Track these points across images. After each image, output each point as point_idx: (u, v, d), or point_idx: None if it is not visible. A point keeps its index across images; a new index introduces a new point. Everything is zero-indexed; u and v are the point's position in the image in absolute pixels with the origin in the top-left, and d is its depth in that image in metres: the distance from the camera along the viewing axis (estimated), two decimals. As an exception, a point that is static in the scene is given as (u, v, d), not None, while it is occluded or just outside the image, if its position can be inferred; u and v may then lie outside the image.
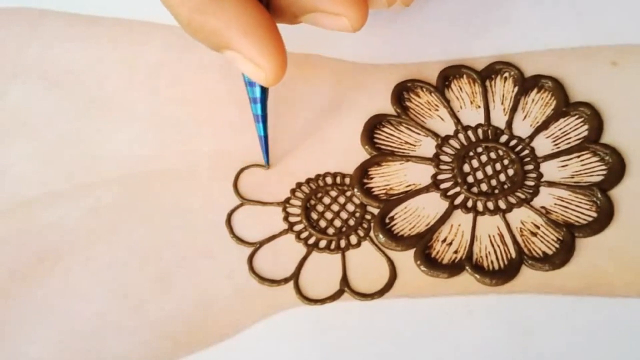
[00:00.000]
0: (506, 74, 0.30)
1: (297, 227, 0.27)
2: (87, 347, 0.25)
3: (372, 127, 0.29)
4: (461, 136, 0.29)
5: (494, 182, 0.28)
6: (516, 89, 0.29)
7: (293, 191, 0.28)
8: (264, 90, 0.26)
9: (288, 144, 0.29)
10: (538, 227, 0.27)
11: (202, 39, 0.24)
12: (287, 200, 0.28)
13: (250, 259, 0.26)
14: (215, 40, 0.23)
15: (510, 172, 0.28)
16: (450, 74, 0.30)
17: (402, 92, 0.30)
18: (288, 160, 0.29)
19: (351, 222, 0.27)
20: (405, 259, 0.26)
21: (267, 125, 0.27)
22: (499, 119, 0.29)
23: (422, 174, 0.28)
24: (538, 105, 0.29)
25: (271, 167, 0.28)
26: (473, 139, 0.29)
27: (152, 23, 0.32)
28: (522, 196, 0.27)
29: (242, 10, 0.22)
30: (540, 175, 0.28)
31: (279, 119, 0.29)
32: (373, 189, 0.28)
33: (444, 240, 0.27)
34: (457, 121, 0.29)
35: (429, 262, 0.26)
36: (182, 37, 0.31)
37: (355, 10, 0.24)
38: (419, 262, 0.26)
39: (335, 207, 0.28)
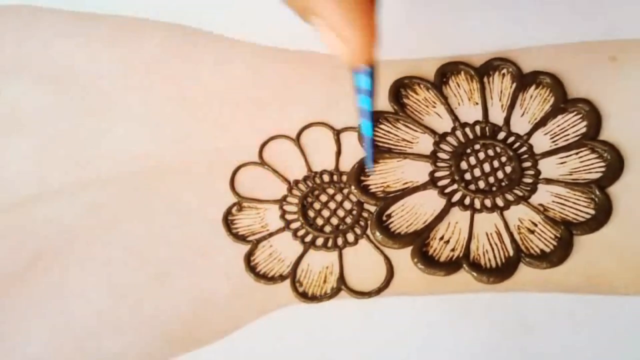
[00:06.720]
0: (504, 70, 0.30)
1: (294, 225, 0.27)
2: (84, 346, 0.25)
3: (370, 124, 0.29)
4: (459, 133, 0.28)
5: (491, 179, 0.27)
6: (514, 85, 0.29)
7: (290, 189, 0.28)
8: (371, 81, 0.23)
9: (285, 141, 0.29)
10: (536, 225, 0.26)
11: (295, 3, 0.21)
12: (284, 198, 0.28)
13: (247, 256, 0.26)
14: (306, 4, 0.21)
15: (508, 169, 0.28)
16: (447, 71, 0.30)
17: (399, 89, 0.29)
18: (285, 158, 0.28)
19: (348, 220, 0.27)
20: (403, 256, 0.26)
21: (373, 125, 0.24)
22: (496, 116, 0.29)
23: (420, 171, 0.28)
24: (536, 101, 0.29)
25: (267, 163, 0.28)
26: (471, 136, 0.28)
27: (149, 21, 0.32)
28: (520, 193, 0.27)
29: None
30: (538, 172, 0.27)
31: (276, 114, 0.29)
32: (370, 187, 0.28)
33: (442, 238, 0.27)
34: (455, 118, 0.29)
35: (426, 259, 0.26)
36: (179, 35, 0.32)
37: None
38: (416, 260, 0.26)
39: (332, 205, 0.27)
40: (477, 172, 0.28)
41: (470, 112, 0.29)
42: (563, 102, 0.29)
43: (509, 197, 0.27)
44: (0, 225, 0.28)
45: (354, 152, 0.28)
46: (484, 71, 0.30)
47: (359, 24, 0.20)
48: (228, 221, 0.27)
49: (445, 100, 0.29)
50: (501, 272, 0.26)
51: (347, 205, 0.27)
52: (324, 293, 0.26)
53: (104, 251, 0.27)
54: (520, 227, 0.26)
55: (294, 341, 0.25)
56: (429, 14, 0.31)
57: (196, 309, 0.26)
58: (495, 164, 0.28)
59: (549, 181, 0.27)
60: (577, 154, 0.28)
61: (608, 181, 0.27)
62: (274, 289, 0.26)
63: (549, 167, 0.27)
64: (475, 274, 0.26)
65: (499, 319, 0.25)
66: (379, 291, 0.26)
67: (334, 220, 0.27)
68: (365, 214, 0.27)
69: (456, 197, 0.27)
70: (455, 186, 0.27)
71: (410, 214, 0.27)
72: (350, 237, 0.27)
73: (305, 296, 0.26)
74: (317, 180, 0.28)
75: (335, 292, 0.26)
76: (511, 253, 0.26)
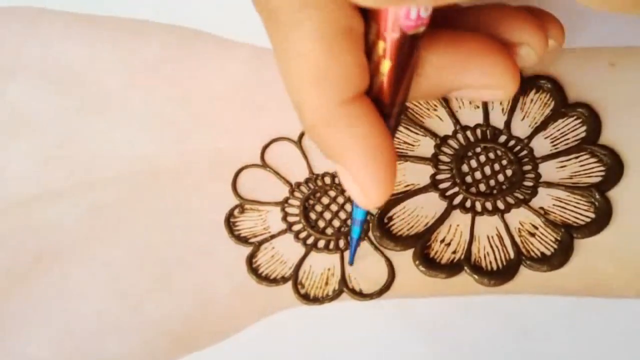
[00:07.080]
0: (505, 75, 0.30)
1: (296, 227, 0.27)
2: (85, 347, 0.25)
3: (371, 127, 0.29)
4: (460, 136, 0.29)
5: (492, 182, 0.28)
6: (515, 89, 0.29)
7: (292, 191, 0.28)
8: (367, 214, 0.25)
9: (286, 144, 0.29)
10: (536, 228, 0.27)
11: (319, 145, 0.21)
12: (286, 200, 0.28)
13: (249, 258, 0.26)
14: (332, 153, 0.21)
15: (509, 172, 0.28)
16: (449, 74, 0.30)
17: (401, 92, 0.29)
18: (286, 160, 0.29)
19: (349, 222, 0.27)
20: (404, 259, 0.26)
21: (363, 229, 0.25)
22: (497, 119, 0.29)
23: (421, 174, 0.28)
24: (537, 105, 0.29)
25: (268, 165, 0.28)
26: (472, 139, 0.29)
27: (151, 22, 0.32)
28: (521, 197, 0.27)
29: (371, 134, 0.20)
30: (539, 175, 0.28)
31: (278, 116, 0.29)
32: (372, 189, 0.28)
33: (443, 241, 0.27)
34: (456, 121, 0.29)
35: (428, 262, 0.26)
36: (180, 36, 0.32)
37: (508, 78, 0.21)
38: (417, 262, 0.26)
39: (334, 207, 0.28)
40: (478, 175, 0.28)
41: (471, 116, 0.29)
42: (563, 106, 0.29)
43: (510, 200, 0.27)
44: (1, 226, 0.27)
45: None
46: (484, 75, 0.30)
47: (382, 182, 0.20)
48: (230, 223, 0.27)
49: (446, 103, 0.29)
50: (502, 274, 0.26)
51: (349, 207, 0.28)
52: (326, 295, 0.26)
53: (104, 252, 0.27)
54: (521, 230, 0.27)
55: (295, 343, 0.25)
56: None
57: (197, 310, 0.26)
58: (496, 167, 0.28)
59: (549, 184, 0.27)
60: (577, 157, 0.28)
61: (608, 185, 0.27)
62: (275, 291, 0.26)
63: (549, 170, 0.28)
64: (476, 276, 0.26)
65: (499, 322, 0.25)
66: (380, 293, 0.26)
67: (336, 223, 0.27)
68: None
69: (457, 200, 0.27)
70: (456, 189, 0.28)
71: (412, 216, 0.27)
72: (352, 239, 0.27)
73: (307, 298, 0.26)
74: (319, 183, 0.28)
75: (337, 294, 0.26)
76: (512, 256, 0.26)
